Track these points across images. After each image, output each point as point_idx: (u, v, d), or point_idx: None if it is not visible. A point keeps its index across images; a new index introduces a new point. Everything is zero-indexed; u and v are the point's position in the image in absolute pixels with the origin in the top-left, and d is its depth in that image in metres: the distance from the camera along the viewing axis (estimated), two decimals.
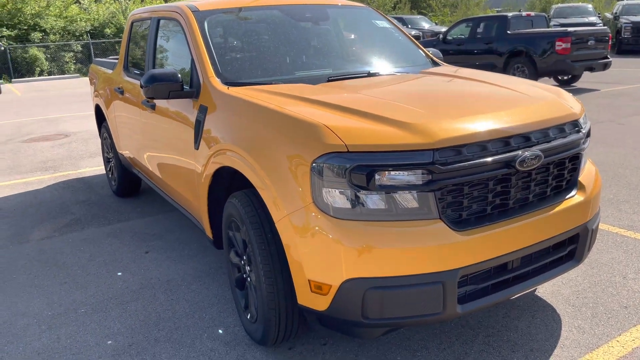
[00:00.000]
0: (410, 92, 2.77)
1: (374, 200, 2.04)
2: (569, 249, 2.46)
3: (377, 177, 2.00)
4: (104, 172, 6.15)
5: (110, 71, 4.80)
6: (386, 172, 2.00)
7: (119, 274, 3.51)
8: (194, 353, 2.60)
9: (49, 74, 23.14)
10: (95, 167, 6.50)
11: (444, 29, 18.03)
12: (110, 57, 6.60)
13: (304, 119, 2.20)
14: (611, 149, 6.06)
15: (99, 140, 8.11)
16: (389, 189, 2.02)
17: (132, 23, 4.43)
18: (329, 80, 2.94)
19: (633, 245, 3.53)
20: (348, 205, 2.05)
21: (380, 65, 3.43)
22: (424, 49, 3.75)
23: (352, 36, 3.73)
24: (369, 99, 2.51)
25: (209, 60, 2.98)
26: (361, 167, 2.00)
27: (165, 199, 3.84)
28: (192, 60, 3.07)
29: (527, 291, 2.34)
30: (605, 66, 11.26)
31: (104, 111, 4.92)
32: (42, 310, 3.09)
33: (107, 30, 24.63)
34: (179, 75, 2.92)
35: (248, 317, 2.65)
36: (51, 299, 3.23)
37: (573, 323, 2.68)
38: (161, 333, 2.79)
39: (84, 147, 7.70)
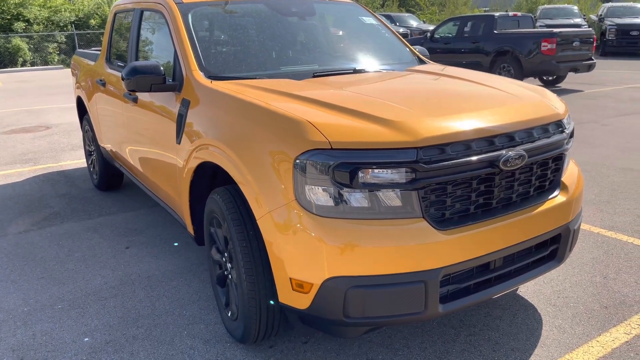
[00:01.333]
0: (396, 90, 2.75)
1: (357, 198, 2.02)
2: (550, 249, 2.47)
3: (360, 174, 1.98)
4: (85, 165, 6.07)
5: (92, 63, 4.72)
6: (369, 169, 1.98)
7: None
8: (173, 351, 2.56)
9: (32, 64, 22.76)
10: (76, 160, 6.40)
11: (431, 27, 18.07)
12: (93, 48, 6.48)
13: (287, 115, 2.17)
14: (594, 149, 6.12)
15: (81, 133, 8.00)
16: (372, 187, 2.00)
17: (115, 14, 4.35)
18: (314, 76, 2.91)
19: (614, 246, 3.56)
20: (331, 202, 2.02)
21: (366, 62, 3.40)
22: (411, 47, 3.73)
23: (339, 32, 3.69)
24: (353, 95, 2.48)
25: (192, 54, 2.92)
26: (344, 165, 1.97)
27: (147, 193, 3.78)
28: (175, 53, 3.01)
29: (509, 291, 2.34)
30: (590, 67, 11.37)
31: (85, 103, 4.83)
32: (18, 306, 3.02)
33: (92, 21, 24.29)
34: (162, 68, 2.87)
35: (229, 314, 2.61)
36: (27, 294, 3.16)
37: (554, 323, 2.69)
38: (140, 330, 2.74)
39: (65, 140, 7.57)
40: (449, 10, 32.88)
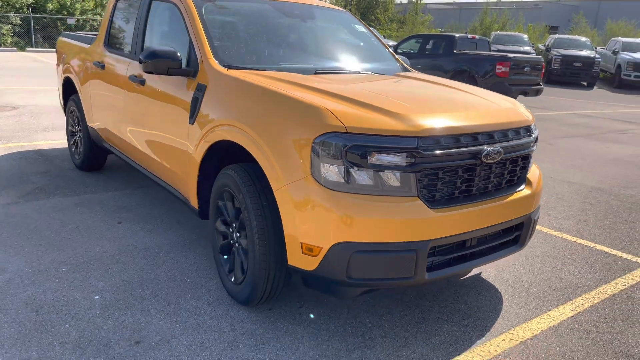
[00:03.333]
0: (393, 90, 3.14)
1: (364, 177, 2.37)
2: (514, 235, 2.90)
3: (369, 156, 2.33)
4: (61, 146, 6.14)
5: (86, 45, 4.86)
6: (377, 153, 2.34)
7: None
8: (180, 309, 2.82)
9: None
10: (51, 141, 6.43)
11: (391, 43, 18.82)
12: (80, 32, 6.55)
13: (307, 101, 2.50)
14: (542, 164, 6.75)
15: (50, 115, 7.99)
16: (378, 168, 2.36)
17: (116, 1, 4.53)
18: (316, 73, 3.25)
19: (560, 243, 4.09)
20: (341, 179, 2.37)
21: (360, 64, 3.78)
22: (395, 55, 4.15)
23: (335, 36, 4.06)
24: (359, 90, 2.84)
25: (207, 43, 3.20)
26: (357, 147, 2.32)
27: (143, 172, 3.99)
28: (190, 42, 3.28)
29: (481, 266, 2.75)
30: (538, 92, 12.28)
31: (76, 84, 4.96)
32: (22, 268, 3.18)
33: (49, 5, 23.61)
34: (179, 54, 3.13)
35: (232, 279, 2.90)
36: (29, 258, 3.31)
37: (512, 300, 3.14)
38: (146, 292, 2.98)
39: (35, 121, 7.54)
40: (408, 28, 34.10)
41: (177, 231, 3.87)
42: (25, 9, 23.11)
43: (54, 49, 21.22)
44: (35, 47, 22.99)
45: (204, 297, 2.96)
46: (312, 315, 2.81)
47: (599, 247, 4.06)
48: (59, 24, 23.74)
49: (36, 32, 23.32)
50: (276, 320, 2.77)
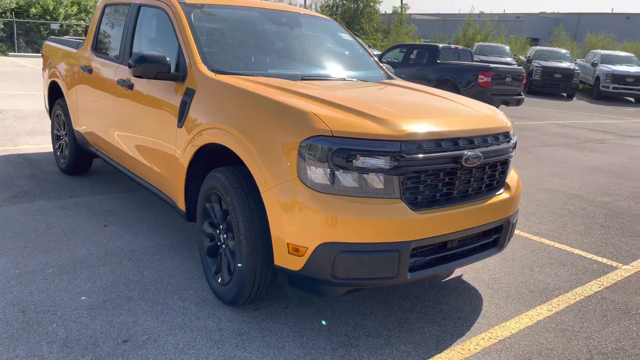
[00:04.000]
0: (377, 96, 3.24)
1: (349, 179, 2.45)
2: (494, 237, 3.00)
3: (354, 159, 2.41)
4: (46, 150, 6.13)
5: (74, 50, 4.88)
6: (361, 156, 2.42)
7: None
8: (168, 310, 2.85)
9: None
10: (35, 145, 6.41)
11: (376, 52, 19.04)
12: (66, 37, 6.55)
13: (294, 106, 2.58)
14: (521, 171, 6.90)
15: (34, 119, 7.95)
16: (362, 171, 2.44)
17: (104, 6, 4.57)
18: (302, 79, 3.33)
19: (538, 247, 4.21)
20: (327, 181, 2.44)
21: (346, 71, 3.88)
22: (380, 64, 4.25)
23: (322, 44, 4.15)
24: (344, 96, 2.93)
25: (196, 49, 3.26)
26: (342, 150, 2.40)
27: (129, 175, 4.02)
28: (179, 47, 3.34)
29: (461, 267, 2.84)
30: (519, 102, 12.53)
31: (62, 88, 4.97)
32: (8, 269, 3.19)
33: (33, 10, 23.39)
34: (168, 59, 3.19)
35: (219, 280, 2.94)
36: (15, 260, 3.32)
37: (491, 301, 3.23)
38: (133, 293, 3.01)
39: (19, 125, 7.50)
40: (392, 38, 34.47)
41: (164, 234, 3.91)
42: (8, 14, 22.88)
43: (37, 54, 20.91)
44: (18, 52, 22.74)
45: (190, 297, 3.00)
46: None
47: (576, 251, 4.19)
48: (42, 29, 23.52)
49: (19, 36, 23.07)
50: (262, 320, 2.82)
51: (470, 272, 3.60)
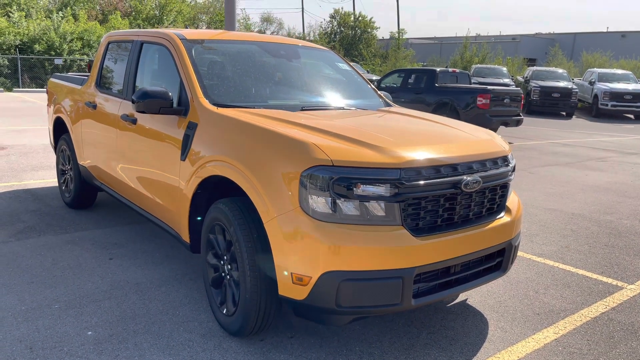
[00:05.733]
0: (376, 124, 3.29)
1: (350, 207, 2.49)
2: (497, 261, 3.02)
3: (354, 187, 2.45)
4: (51, 184, 6.19)
5: (78, 86, 4.98)
6: (362, 184, 2.46)
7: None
8: (174, 342, 2.86)
9: None
10: (40, 180, 6.48)
11: (375, 77, 19.30)
12: (71, 73, 6.68)
13: (294, 137, 2.63)
14: (523, 192, 6.93)
15: (39, 154, 8.05)
16: (363, 199, 2.48)
17: (108, 43, 4.69)
18: (302, 110, 3.40)
19: (543, 268, 4.20)
20: (329, 210, 2.47)
21: (344, 100, 3.95)
22: (378, 91, 4.33)
23: (320, 74, 4.23)
24: (343, 125, 2.99)
25: (198, 83, 3.34)
26: (343, 179, 2.44)
27: (134, 208, 4.06)
28: (181, 82, 3.42)
29: (465, 291, 2.85)
30: (518, 123, 12.62)
31: (67, 124, 5.06)
32: (15, 305, 3.20)
33: (37, 46, 23.83)
34: (170, 94, 3.26)
35: (224, 311, 2.95)
36: (22, 296, 3.34)
37: (497, 325, 3.23)
38: (139, 326, 3.02)
39: (24, 160, 7.59)
40: (391, 63, 34.91)
41: (168, 265, 3.93)
42: (12, 50, 23.31)
43: (42, 89, 21.12)
44: (23, 87, 23.08)
45: (196, 329, 3.01)
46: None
47: (580, 271, 4.19)
48: (46, 64, 23.90)
49: (23, 72, 23.44)
50: (268, 351, 2.82)
51: (475, 296, 3.60)
